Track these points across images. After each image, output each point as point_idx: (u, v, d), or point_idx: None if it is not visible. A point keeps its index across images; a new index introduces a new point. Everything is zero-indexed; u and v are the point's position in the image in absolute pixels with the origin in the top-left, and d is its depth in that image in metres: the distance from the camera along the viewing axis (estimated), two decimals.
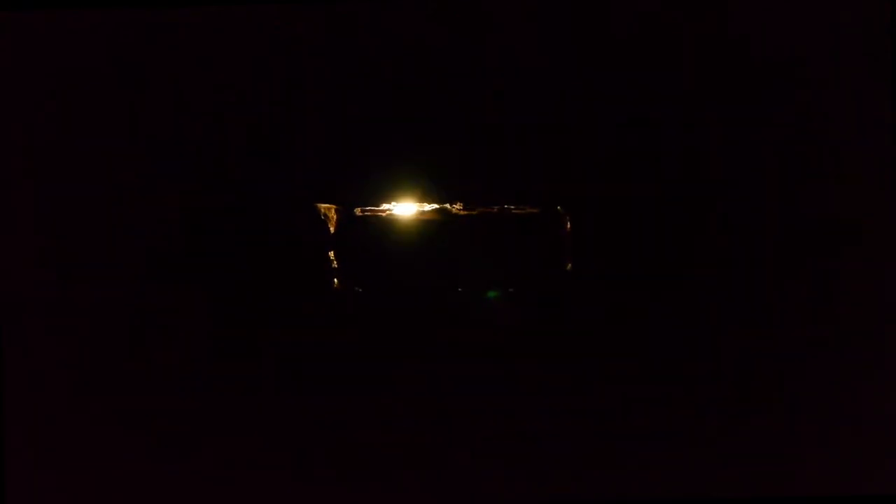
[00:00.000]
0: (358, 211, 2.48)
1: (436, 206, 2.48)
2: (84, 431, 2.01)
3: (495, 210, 2.45)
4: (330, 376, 2.09)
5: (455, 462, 2.03)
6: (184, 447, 2.02)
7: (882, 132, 1.94)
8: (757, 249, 2.01)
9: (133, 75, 1.96)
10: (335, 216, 2.48)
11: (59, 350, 2.01)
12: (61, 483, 2.01)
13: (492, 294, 2.45)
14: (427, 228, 2.43)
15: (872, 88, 1.96)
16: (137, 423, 2.00)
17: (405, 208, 2.47)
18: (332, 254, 2.46)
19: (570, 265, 2.47)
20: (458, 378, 2.12)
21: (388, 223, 2.45)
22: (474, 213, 2.46)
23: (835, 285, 1.97)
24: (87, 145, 2.01)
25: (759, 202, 2.00)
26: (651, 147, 2.05)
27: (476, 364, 2.13)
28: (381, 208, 2.47)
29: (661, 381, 2.07)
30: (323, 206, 2.46)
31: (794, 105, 1.97)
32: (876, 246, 1.98)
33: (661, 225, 2.03)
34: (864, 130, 1.95)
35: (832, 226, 1.99)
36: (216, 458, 2.02)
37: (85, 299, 2.01)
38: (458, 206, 2.47)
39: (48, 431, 2.00)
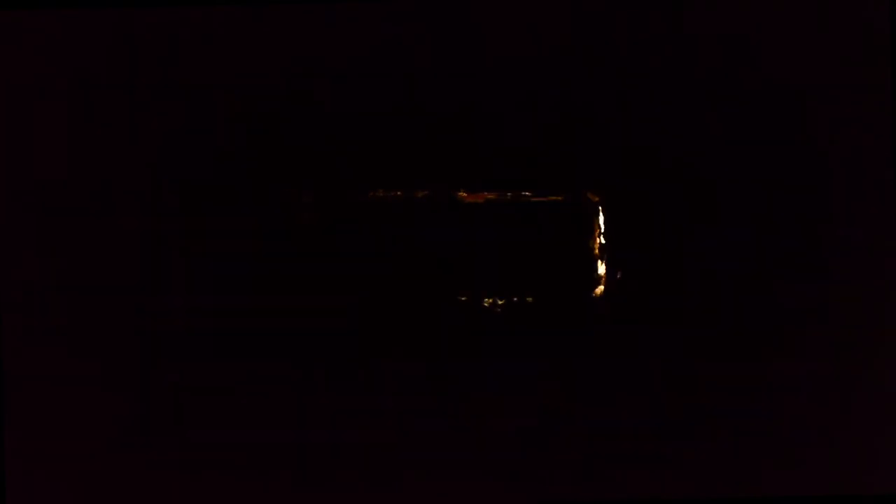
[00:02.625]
0: (329, 196, 2.29)
1: (432, 191, 2.29)
2: (84, 432, 2.11)
3: (508, 197, 2.28)
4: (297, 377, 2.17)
5: (454, 465, 2.13)
6: (184, 448, 2.12)
7: (882, 133, 2.07)
8: (756, 250, 2.12)
9: (132, 76, 2.11)
10: (299, 203, 2.27)
11: (59, 350, 2.11)
12: (61, 483, 2.12)
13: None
14: (420, 220, 2.27)
15: (872, 89, 2.08)
16: (138, 424, 2.12)
17: (391, 194, 2.29)
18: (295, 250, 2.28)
19: (603, 267, 2.29)
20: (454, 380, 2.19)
21: (369, 213, 2.27)
22: (481, 200, 2.28)
23: (835, 286, 2.09)
24: (87, 146, 2.12)
25: (760, 203, 2.11)
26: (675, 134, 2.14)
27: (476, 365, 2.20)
28: (361, 193, 2.28)
29: (660, 380, 2.13)
30: (287, 191, 2.26)
31: (795, 105, 2.09)
32: (876, 246, 2.08)
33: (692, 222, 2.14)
34: (864, 131, 2.08)
35: (832, 226, 2.09)
36: (217, 459, 2.12)
37: (85, 300, 2.12)
38: (461, 191, 2.28)
39: (48, 431, 2.11)
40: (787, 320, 2.11)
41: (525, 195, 2.29)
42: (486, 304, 2.29)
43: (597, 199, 2.28)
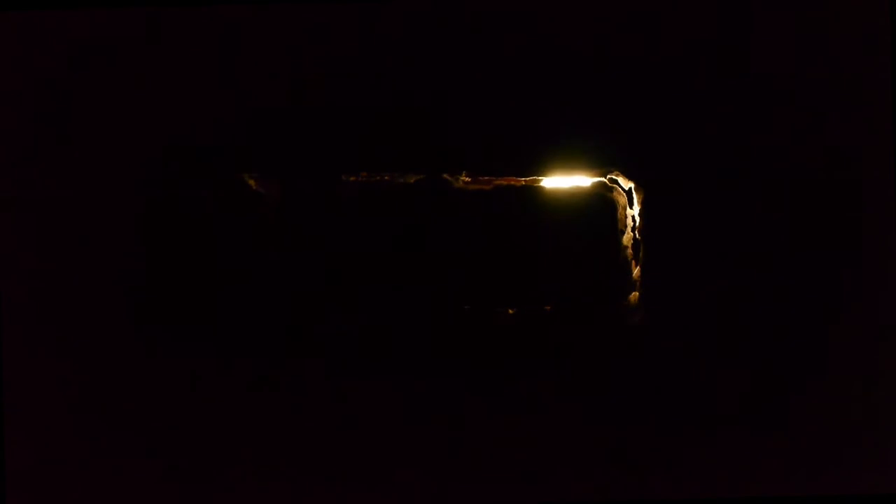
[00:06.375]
0: (309, 184, 2.17)
1: (430, 176, 2.17)
2: (84, 432, 2.24)
3: (521, 183, 2.17)
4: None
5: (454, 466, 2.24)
6: (185, 448, 2.24)
7: (882, 132, 2.25)
8: (759, 251, 2.24)
9: (128, 75, 2.28)
10: (272, 192, 2.16)
11: (59, 351, 2.25)
12: (61, 483, 2.25)
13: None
14: (415, 211, 2.16)
15: (872, 89, 2.25)
16: (138, 425, 2.25)
17: (382, 180, 2.18)
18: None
19: (636, 269, 2.14)
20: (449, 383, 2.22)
21: (354, 202, 2.16)
22: (488, 187, 2.18)
23: (834, 287, 2.23)
24: (84, 145, 2.27)
25: (764, 203, 2.24)
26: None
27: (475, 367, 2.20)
28: (344, 179, 2.18)
29: (661, 381, 2.22)
30: (252, 177, 2.15)
31: (795, 107, 2.24)
32: (876, 247, 2.24)
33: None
34: (865, 131, 2.25)
35: (833, 227, 2.24)
36: (216, 460, 2.24)
37: (85, 301, 2.25)
38: (463, 176, 2.18)
39: (48, 431, 2.25)
40: (791, 320, 2.21)
41: (539, 181, 2.15)
42: (493, 314, 2.12)
43: (630, 184, 2.13)
